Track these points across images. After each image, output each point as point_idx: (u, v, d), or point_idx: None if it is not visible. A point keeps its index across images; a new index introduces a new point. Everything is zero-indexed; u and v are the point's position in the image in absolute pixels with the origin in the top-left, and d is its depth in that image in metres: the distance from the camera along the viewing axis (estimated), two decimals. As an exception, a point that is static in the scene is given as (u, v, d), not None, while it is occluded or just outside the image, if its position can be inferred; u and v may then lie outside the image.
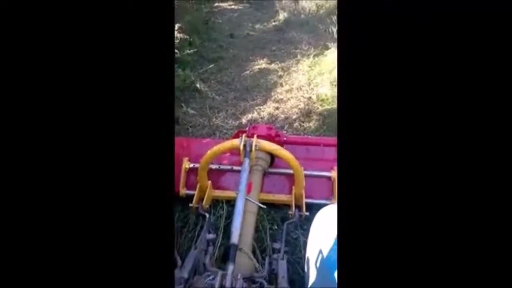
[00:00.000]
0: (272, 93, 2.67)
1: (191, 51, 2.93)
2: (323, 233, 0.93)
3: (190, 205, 1.53)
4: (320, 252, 0.89)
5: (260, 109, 2.44)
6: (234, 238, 1.03)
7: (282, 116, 2.37)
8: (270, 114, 2.39)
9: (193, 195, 1.53)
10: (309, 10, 4.41)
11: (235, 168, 1.54)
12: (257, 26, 4.30)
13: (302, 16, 4.37)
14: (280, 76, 2.95)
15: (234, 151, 1.46)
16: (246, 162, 1.31)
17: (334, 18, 3.23)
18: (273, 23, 4.36)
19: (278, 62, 3.18)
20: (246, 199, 1.24)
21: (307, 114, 2.36)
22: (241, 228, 1.20)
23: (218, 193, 1.54)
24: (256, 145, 1.34)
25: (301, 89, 2.72)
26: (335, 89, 2.66)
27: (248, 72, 3.00)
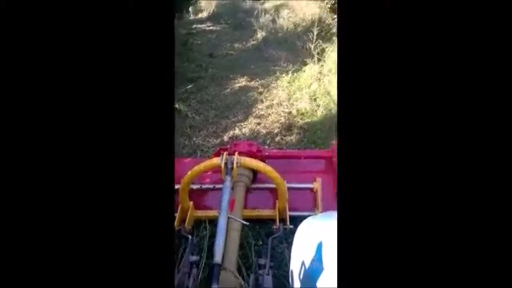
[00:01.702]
0: (253, 110, 2.70)
1: (171, 72, 2.94)
2: (304, 245, 0.92)
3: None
4: (303, 263, 0.88)
5: (241, 125, 2.46)
6: (217, 258, 1.01)
7: (264, 131, 2.39)
8: (251, 130, 2.41)
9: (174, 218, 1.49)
10: (287, 28, 4.56)
11: (217, 186, 1.52)
12: (236, 45, 4.40)
13: (280, 34, 4.52)
14: (260, 93, 3.00)
15: (216, 169, 1.45)
16: (228, 180, 1.30)
17: (311, 35, 3.35)
18: (252, 42, 4.48)
19: (258, 79, 3.25)
20: (229, 217, 1.22)
21: (288, 128, 2.40)
22: (225, 246, 1.17)
23: (201, 213, 1.51)
24: (237, 162, 1.34)
25: (281, 104, 2.77)
26: (315, 103, 2.73)
27: (228, 90, 3.04)
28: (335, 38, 3.24)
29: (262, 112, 2.65)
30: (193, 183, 1.54)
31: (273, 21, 4.82)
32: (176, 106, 2.58)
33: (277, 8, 5.36)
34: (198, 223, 1.52)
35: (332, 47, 3.23)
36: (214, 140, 2.26)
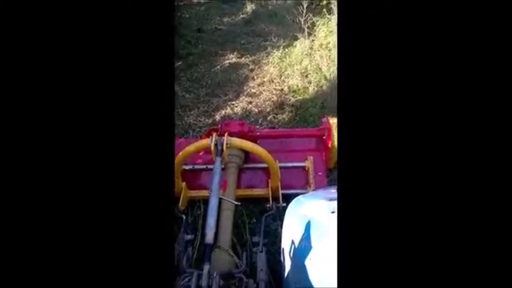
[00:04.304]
0: (244, 87, 2.66)
1: (158, 49, 2.84)
2: (294, 224, 0.95)
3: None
4: (292, 242, 0.92)
5: (233, 104, 2.43)
6: (209, 238, 1.03)
7: (256, 110, 2.37)
8: (243, 109, 2.38)
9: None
10: (276, 1, 4.39)
11: (209, 167, 1.53)
12: (225, 19, 4.23)
13: (270, 7, 4.35)
14: (252, 70, 2.94)
15: (207, 150, 1.46)
16: (218, 161, 1.31)
17: (301, 8, 3.24)
18: (241, 16, 4.31)
19: (248, 55, 3.17)
20: (220, 197, 1.25)
21: (280, 106, 2.38)
22: (219, 226, 1.20)
23: (194, 193, 1.53)
24: (227, 143, 1.34)
25: (272, 81, 2.73)
26: (306, 80, 2.70)
27: (218, 67, 2.97)
28: (325, 11, 3.14)
29: (254, 90, 2.62)
30: (185, 164, 1.55)
31: (263, -8, 4.61)
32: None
33: (267, -21, 5.11)
34: (193, 203, 1.55)
35: (323, 21, 3.14)
36: (206, 120, 2.24)
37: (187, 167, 1.55)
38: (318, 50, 2.97)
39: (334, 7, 2.99)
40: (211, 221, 1.09)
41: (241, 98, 2.50)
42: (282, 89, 2.60)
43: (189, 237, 1.20)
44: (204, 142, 1.37)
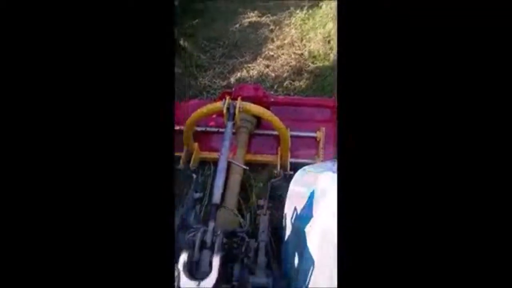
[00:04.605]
0: (263, 49, 2.56)
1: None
2: (298, 192, 0.98)
3: (177, 166, 1.57)
4: (295, 209, 0.94)
5: (249, 67, 2.37)
6: (216, 198, 1.07)
7: (273, 74, 2.31)
8: (259, 72, 2.32)
9: (179, 157, 1.56)
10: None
11: (221, 130, 1.54)
12: (248, -27, 3.95)
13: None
14: (272, 31, 2.80)
15: (220, 113, 1.46)
16: (229, 125, 1.31)
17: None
18: (265, -31, 4.00)
19: (269, 15, 2.99)
20: (229, 161, 1.27)
21: (298, 72, 2.30)
22: (226, 187, 1.24)
23: (205, 154, 1.57)
24: (240, 107, 1.33)
25: (293, 45, 2.61)
26: (328, 46, 2.56)
27: (237, 26, 2.84)
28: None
29: (272, 53, 2.52)
30: (197, 125, 1.57)
31: None
32: (181, 42, 2.46)
33: None
34: (203, 163, 1.60)
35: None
36: (221, 82, 2.21)
37: (199, 129, 1.58)
38: (345, 13, 2.76)
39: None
40: (219, 182, 1.12)
41: (258, 61, 2.42)
42: (302, 54, 2.49)
43: (197, 195, 1.26)
44: (217, 105, 1.37)
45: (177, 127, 1.59)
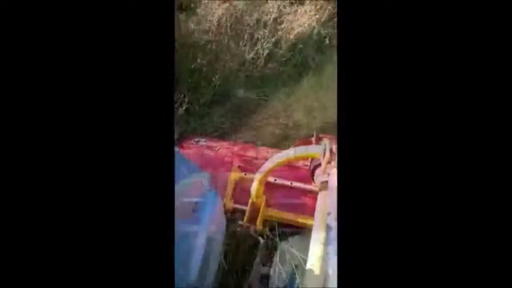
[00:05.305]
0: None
1: None
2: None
3: (240, 222, 1.17)
4: None
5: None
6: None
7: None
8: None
9: (241, 211, 1.19)
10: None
11: (295, 184, 1.29)
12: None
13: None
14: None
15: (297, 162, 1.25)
16: (335, 173, 1.09)
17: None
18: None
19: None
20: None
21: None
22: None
23: (273, 212, 1.24)
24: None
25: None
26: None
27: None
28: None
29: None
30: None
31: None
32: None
33: None
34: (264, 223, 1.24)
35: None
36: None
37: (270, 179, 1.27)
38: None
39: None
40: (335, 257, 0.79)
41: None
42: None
43: (266, 270, 0.92)
44: (312, 149, 1.14)
45: (242, 173, 1.26)
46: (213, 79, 2.01)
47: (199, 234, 0.84)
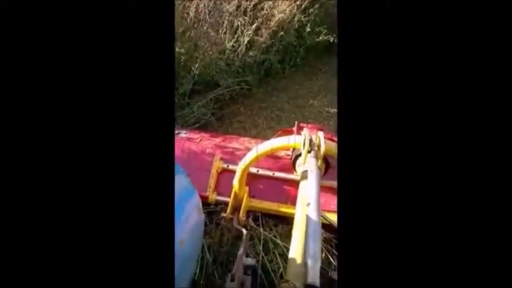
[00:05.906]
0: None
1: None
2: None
3: (223, 215, 1.15)
4: None
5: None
6: (312, 277, 0.68)
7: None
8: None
9: (224, 202, 1.17)
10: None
11: (278, 174, 1.29)
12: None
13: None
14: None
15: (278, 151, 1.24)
16: (313, 163, 1.03)
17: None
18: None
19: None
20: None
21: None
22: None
23: (256, 203, 1.23)
24: (323, 143, 1.05)
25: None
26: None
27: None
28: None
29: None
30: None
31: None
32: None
33: None
34: (248, 214, 1.23)
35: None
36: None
37: (251, 170, 1.26)
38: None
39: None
40: (315, 247, 0.75)
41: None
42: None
43: (250, 261, 0.91)
44: (293, 139, 1.12)
45: (224, 165, 1.23)
46: (192, 68, 1.95)
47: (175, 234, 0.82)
